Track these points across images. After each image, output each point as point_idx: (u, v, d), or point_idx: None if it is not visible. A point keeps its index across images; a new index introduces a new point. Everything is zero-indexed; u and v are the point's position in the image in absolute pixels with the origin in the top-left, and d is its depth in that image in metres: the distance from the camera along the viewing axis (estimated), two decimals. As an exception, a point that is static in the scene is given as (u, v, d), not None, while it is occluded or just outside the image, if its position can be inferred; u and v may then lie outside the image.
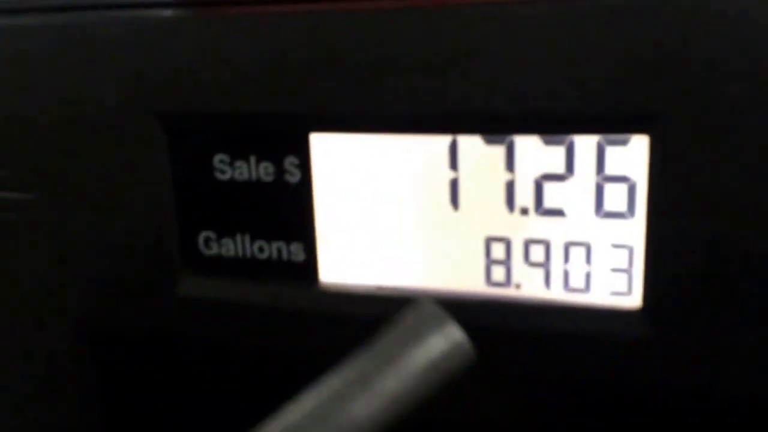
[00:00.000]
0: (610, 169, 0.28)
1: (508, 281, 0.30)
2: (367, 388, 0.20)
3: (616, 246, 0.28)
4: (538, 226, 0.29)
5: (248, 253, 0.33)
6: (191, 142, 0.33)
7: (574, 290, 0.29)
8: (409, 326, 0.21)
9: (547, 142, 0.28)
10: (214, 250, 0.34)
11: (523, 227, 0.29)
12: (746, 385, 0.28)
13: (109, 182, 0.34)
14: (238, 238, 0.33)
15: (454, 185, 0.30)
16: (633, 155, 0.27)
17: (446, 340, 0.20)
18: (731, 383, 0.28)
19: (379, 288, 0.32)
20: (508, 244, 0.30)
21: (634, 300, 0.28)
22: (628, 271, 0.28)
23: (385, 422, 0.20)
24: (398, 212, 0.31)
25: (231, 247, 0.33)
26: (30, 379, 0.40)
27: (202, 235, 0.34)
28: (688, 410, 0.30)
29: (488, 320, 0.30)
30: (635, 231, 0.28)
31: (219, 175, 0.33)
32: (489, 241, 0.30)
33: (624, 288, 0.28)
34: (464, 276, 0.31)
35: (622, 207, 0.28)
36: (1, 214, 0.36)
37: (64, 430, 0.41)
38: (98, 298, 0.36)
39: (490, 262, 0.30)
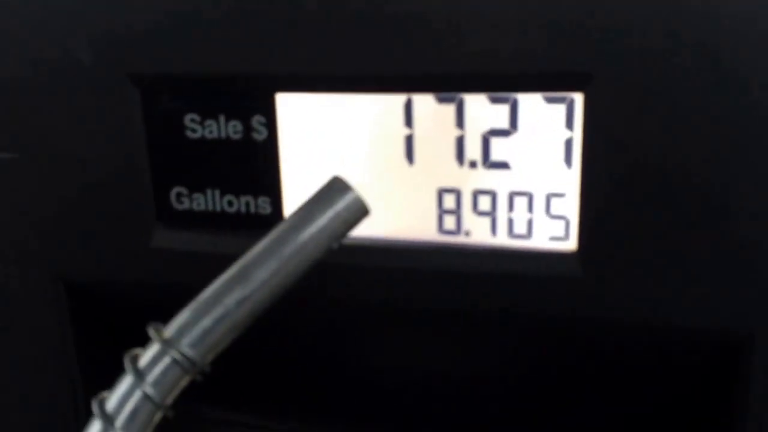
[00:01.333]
0: (549, 125, 0.30)
1: (458, 229, 0.33)
2: (282, 242, 0.27)
3: (554, 195, 0.31)
4: (485, 178, 0.32)
5: (218, 207, 0.35)
6: (163, 102, 0.35)
7: (518, 236, 0.32)
8: (320, 194, 0.28)
9: (494, 100, 0.31)
10: (186, 204, 0.36)
11: (471, 179, 0.32)
12: (669, 318, 0.31)
13: (85, 141, 0.35)
14: (209, 192, 0.35)
15: (408, 141, 0.32)
16: (570, 111, 0.30)
17: (345, 197, 0.27)
18: (656, 317, 0.31)
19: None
20: (458, 195, 0.32)
21: (570, 244, 0.31)
22: (565, 217, 0.31)
23: (296, 270, 0.27)
24: (357, 167, 0.33)
25: (202, 201, 0.36)
26: (8, 331, 0.42)
27: (174, 191, 0.36)
28: (618, 342, 0.33)
29: (441, 265, 0.33)
30: (572, 181, 0.31)
31: (190, 134, 0.35)
32: (441, 193, 0.33)
33: (561, 233, 0.31)
34: (418, 225, 0.33)
35: (560, 159, 0.31)
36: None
37: (43, 382, 0.43)
38: (76, 251, 0.38)
39: (442, 212, 0.33)
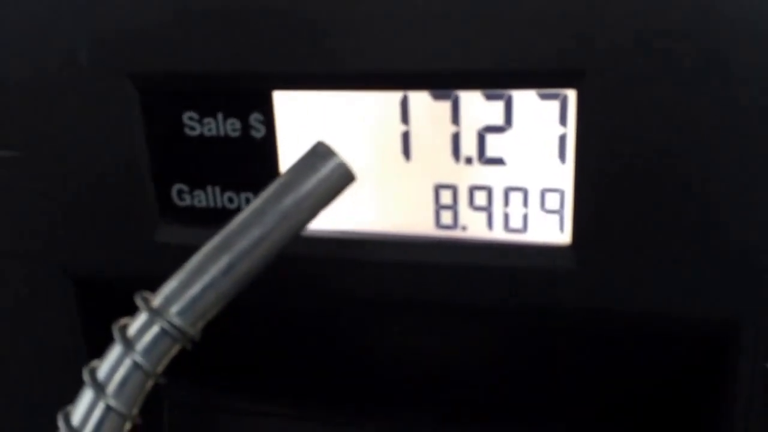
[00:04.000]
0: (543, 121, 0.31)
1: (455, 224, 0.33)
2: (266, 210, 0.27)
3: (549, 190, 0.32)
4: (481, 173, 0.32)
5: (219, 203, 0.36)
6: (162, 100, 0.35)
7: (514, 230, 0.33)
8: (303, 160, 0.28)
9: (488, 97, 0.31)
10: (187, 201, 0.36)
11: (468, 175, 0.32)
12: (660, 308, 0.31)
13: (87, 140, 0.36)
14: (209, 189, 0.36)
15: (405, 138, 0.33)
16: (563, 108, 0.30)
17: (329, 163, 0.27)
18: (648, 306, 0.31)
19: (339, 232, 0.35)
20: (454, 190, 0.33)
21: (565, 238, 0.32)
22: (559, 212, 0.32)
23: (282, 237, 0.27)
24: (355, 163, 0.33)
25: (203, 198, 0.36)
26: (18, 326, 0.43)
27: (176, 188, 0.36)
28: (610, 331, 0.33)
29: (438, 259, 0.33)
30: (566, 176, 0.31)
31: (189, 132, 0.35)
32: (438, 189, 0.33)
33: (556, 227, 0.32)
34: (416, 220, 0.34)
35: (554, 155, 0.31)
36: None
37: (52, 373, 0.44)
38: (83, 248, 0.38)
39: (438, 207, 0.33)
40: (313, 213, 0.28)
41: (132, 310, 0.40)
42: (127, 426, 0.27)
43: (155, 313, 0.27)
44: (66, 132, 0.36)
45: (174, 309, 0.27)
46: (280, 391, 0.46)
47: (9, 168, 0.37)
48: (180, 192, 0.36)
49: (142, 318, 0.27)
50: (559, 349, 0.36)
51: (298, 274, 0.34)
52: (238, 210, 0.36)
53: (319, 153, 0.28)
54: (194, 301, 0.27)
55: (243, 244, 0.27)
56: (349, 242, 0.34)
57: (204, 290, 0.27)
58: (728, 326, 0.31)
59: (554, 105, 0.30)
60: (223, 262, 0.27)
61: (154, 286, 0.38)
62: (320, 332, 0.41)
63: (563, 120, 0.30)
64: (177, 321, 0.27)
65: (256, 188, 0.35)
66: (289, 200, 0.27)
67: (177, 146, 0.35)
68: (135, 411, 0.27)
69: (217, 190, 0.36)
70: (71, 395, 0.43)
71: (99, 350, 0.43)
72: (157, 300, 0.27)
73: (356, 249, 0.34)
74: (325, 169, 0.28)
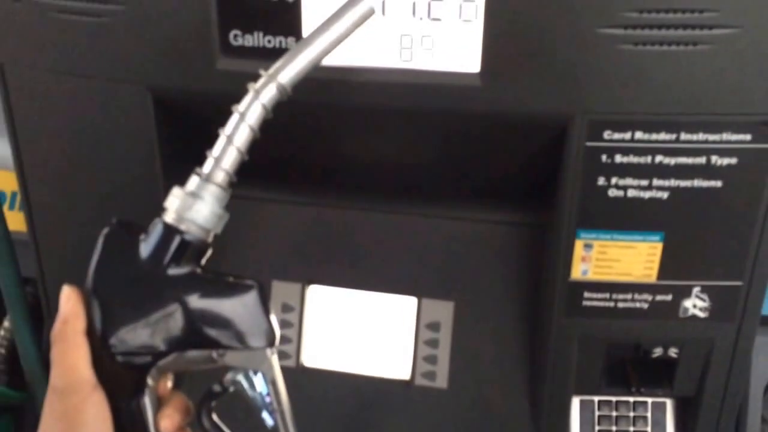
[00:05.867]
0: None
1: (411, 58, 0.55)
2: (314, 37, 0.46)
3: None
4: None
5: (260, 43, 0.56)
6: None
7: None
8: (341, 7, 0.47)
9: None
10: (240, 41, 0.56)
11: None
12: (545, 113, 0.54)
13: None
14: (255, 33, 0.56)
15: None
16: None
17: (354, 2, 0.46)
18: (536, 113, 0.54)
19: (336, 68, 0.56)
20: (411, 38, 0.54)
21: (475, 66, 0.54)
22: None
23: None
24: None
25: (250, 39, 0.56)
26: (105, 141, 0.62)
27: (232, 32, 0.56)
28: (506, 132, 0.57)
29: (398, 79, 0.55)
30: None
31: (242, -4, 0.54)
32: (401, 37, 0.54)
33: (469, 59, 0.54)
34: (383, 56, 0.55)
35: None
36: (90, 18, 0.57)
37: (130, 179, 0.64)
38: (164, 71, 0.58)
39: (401, 48, 0.55)
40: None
41: (198, 127, 0.60)
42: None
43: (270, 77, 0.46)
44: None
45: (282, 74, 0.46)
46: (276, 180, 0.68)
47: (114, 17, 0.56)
48: (235, 35, 0.56)
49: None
50: (463, 144, 0.59)
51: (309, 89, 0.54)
52: (273, 48, 0.56)
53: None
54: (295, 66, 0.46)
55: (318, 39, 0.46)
56: (342, 70, 0.55)
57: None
58: (566, 118, 0.55)
59: (472, -15, 0.52)
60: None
61: (213, 102, 0.59)
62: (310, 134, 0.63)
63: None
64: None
65: (287, 33, 0.56)
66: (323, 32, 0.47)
67: (234, 7, 0.55)
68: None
69: (260, 34, 0.56)
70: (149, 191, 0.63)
71: (170, 159, 0.62)
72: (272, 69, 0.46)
73: (346, 74, 0.55)
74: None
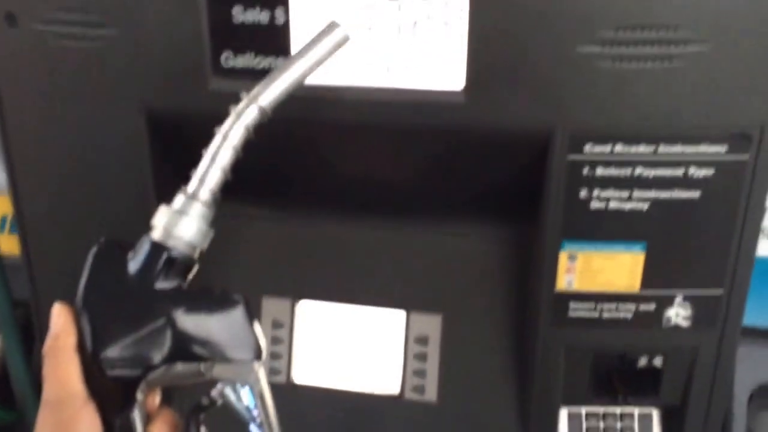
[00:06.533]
0: None
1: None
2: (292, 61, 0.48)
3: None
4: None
5: (250, 65, 0.58)
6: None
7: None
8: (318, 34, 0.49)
9: None
10: (231, 63, 0.58)
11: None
12: (528, 128, 0.56)
13: (161, 18, 0.56)
14: (246, 54, 0.57)
15: (369, 24, 0.55)
16: None
17: (330, 29, 0.48)
18: (519, 128, 0.56)
19: (322, 86, 0.57)
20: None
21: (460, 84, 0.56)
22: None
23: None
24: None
25: (240, 61, 0.58)
26: (97, 157, 0.64)
27: (224, 54, 0.58)
28: (490, 148, 0.58)
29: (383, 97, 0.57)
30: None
31: (234, 20, 0.56)
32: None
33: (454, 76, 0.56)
34: (372, 74, 0.57)
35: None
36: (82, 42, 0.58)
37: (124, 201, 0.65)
38: (156, 91, 0.59)
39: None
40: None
41: (190, 147, 0.61)
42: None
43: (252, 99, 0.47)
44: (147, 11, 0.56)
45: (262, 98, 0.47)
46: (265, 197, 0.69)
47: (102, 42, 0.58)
48: (226, 57, 0.58)
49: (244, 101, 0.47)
50: (448, 160, 0.61)
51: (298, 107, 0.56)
52: (262, 69, 0.58)
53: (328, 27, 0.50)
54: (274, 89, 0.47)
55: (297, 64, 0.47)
56: (330, 89, 0.57)
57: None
58: (548, 133, 0.57)
59: None
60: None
61: (205, 121, 0.60)
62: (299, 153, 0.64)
63: None
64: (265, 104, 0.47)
65: (276, 55, 0.57)
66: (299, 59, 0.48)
67: (225, 30, 0.57)
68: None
69: (251, 55, 0.57)
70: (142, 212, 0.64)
71: (163, 179, 0.64)
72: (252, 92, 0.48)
73: (334, 92, 0.57)
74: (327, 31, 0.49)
